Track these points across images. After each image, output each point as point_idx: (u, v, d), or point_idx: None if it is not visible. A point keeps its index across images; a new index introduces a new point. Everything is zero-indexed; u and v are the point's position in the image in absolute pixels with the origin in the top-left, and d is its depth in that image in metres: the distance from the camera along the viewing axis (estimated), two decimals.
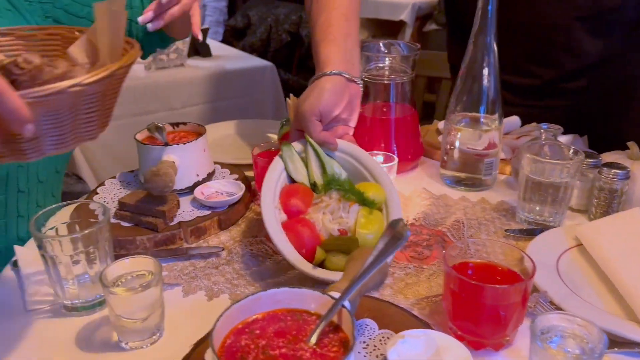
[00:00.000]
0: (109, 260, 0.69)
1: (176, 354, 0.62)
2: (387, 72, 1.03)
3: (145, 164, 0.90)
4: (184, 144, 0.91)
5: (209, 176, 0.97)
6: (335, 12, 0.91)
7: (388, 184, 0.81)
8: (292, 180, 0.82)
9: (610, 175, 0.84)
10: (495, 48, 0.93)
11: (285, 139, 1.00)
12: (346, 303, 0.48)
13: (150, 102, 1.98)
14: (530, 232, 0.85)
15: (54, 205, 0.72)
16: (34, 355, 0.64)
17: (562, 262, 0.76)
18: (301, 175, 0.81)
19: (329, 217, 0.74)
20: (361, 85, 0.89)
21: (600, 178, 0.86)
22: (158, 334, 0.66)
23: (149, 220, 0.83)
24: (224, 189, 0.94)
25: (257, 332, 0.48)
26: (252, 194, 0.97)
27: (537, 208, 0.87)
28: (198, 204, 0.91)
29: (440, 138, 1.18)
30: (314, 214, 0.75)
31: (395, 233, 0.50)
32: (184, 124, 1.00)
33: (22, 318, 0.70)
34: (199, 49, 2.26)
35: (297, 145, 0.83)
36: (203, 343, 0.58)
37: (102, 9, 0.60)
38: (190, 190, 0.93)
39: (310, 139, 0.82)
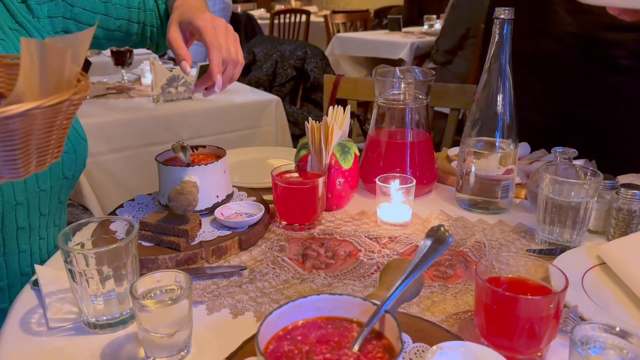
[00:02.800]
0: (136, 277, 0.69)
1: None
2: (402, 97, 1.05)
3: (167, 185, 0.90)
4: (206, 164, 0.91)
5: (228, 198, 0.97)
6: None
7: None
8: None
9: (629, 196, 0.85)
10: (510, 73, 0.95)
11: (303, 161, 1.01)
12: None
13: (158, 133, 1.99)
14: (551, 252, 0.85)
15: (81, 222, 0.72)
16: None
17: (587, 280, 0.76)
18: None
19: None
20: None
21: (619, 199, 0.87)
22: (185, 351, 0.64)
23: (171, 239, 0.82)
24: (244, 210, 0.94)
25: (299, 338, 0.47)
26: (271, 215, 0.97)
27: (557, 230, 0.88)
28: (218, 224, 0.91)
29: (453, 164, 1.20)
30: None
31: (437, 238, 0.50)
32: (204, 147, 1.01)
33: (44, 337, 0.69)
34: None
35: None
36: (235, 355, 0.57)
37: (26, 45, 0.48)
38: (210, 211, 0.93)
39: None
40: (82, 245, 0.71)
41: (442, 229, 0.51)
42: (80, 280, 0.66)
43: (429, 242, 0.50)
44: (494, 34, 0.93)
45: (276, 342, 0.47)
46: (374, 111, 1.08)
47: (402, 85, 1.04)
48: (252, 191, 1.04)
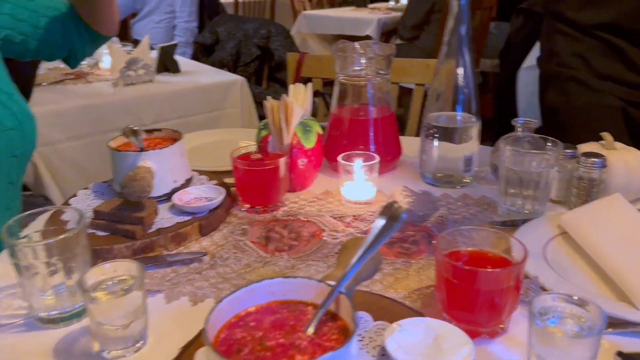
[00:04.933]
0: (87, 269, 0.66)
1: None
2: (363, 73, 1.03)
3: (121, 171, 0.87)
4: (160, 149, 0.88)
5: (187, 182, 0.94)
6: None
7: None
8: None
9: (589, 164, 0.86)
10: (468, 43, 0.94)
11: (264, 142, 0.99)
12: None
13: (119, 118, 1.93)
14: (514, 224, 0.85)
15: (26, 213, 0.69)
16: None
17: (549, 250, 0.77)
18: None
19: None
20: None
21: (579, 168, 0.87)
22: (142, 342, 0.62)
23: (126, 228, 0.79)
24: (204, 194, 0.92)
25: (253, 324, 0.45)
26: (232, 198, 0.95)
27: (519, 201, 0.88)
28: (177, 210, 0.88)
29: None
30: None
31: (390, 215, 0.49)
32: (159, 130, 0.98)
33: None
34: (167, 66, 2.23)
35: None
36: (192, 345, 0.55)
37: None
38: (168, 197, 0.90)
39: None
40: (30, 238, 0.67)
41: (394, 205, 0.50)
42: (27, 275, 0.63)
43: (382, 220, 0.49)
44: (451, 5, 0.92)
45: (228, 330, 0.45)
46: (335, 88, 1.06)
47: (363, 61, 1.02)
48: (214, 174, 1.01)
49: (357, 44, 1.02)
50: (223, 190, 0.91)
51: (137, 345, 0.62)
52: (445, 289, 0.61)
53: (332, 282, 0.47)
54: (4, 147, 0.90)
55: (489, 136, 1.28)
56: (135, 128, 0.86)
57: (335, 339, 0.43)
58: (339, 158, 0.95)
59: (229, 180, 0.98)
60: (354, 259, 0.47)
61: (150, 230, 0.81)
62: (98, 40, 1.14)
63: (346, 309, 0.44)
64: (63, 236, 0.62)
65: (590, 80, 1.26)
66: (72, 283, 0.65)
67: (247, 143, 1.03)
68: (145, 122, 2.00)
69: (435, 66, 0.99)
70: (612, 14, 1.21)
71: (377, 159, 0.94)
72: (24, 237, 0.67)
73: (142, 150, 0.87)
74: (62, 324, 0.66)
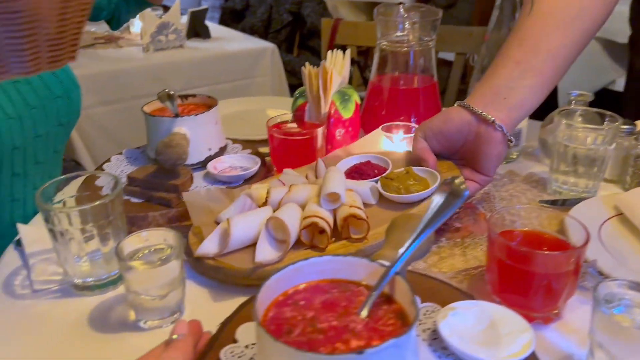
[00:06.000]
0: (123, 237, 0.64)
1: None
2: (406, 39, 0.97)
3: (155, 137, 0.85)
4: (196, 115, 0.85)
5: (222, 150, 0.92)
6: (536, 22, 0.71)
7: None
8: None
9: None
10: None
11: (300, 110, 0.95)
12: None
13: (149, 84, 1.91)
14: (565, 203, 0.80)
15: (60, 177, 0.67)
16: (45, 336, 0.59)
17: (604, 232, 0.72)
18: None
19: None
20: (500, 131, 0.70)
21: (637, 145, 0.82)
22: (179, 313, 0.61)
23: (161, 195, 0.77)
24: (238, 163, 0.89)
25: (302, 303, 0.43)
26: (267, 168, 0.92)
27: (571, 179, 0.83)
28: (212, 179, 0.85)
29: None
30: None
31: (452, 191, 0.45)
32: (193, 96, 0.95)
33: (28, 300, 0.65)
34: (198, 31, 2.20)
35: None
36: (232, 321, 0.53)
37: None
38: (202, 165, 0.88)
39: None
40: (64, 203, 0.66)
41: (456, 181, 0.46)
42: (62, 241, 0.61)
43: (442, 197, 0.45)
44: None
45: (276, 308, 0.42)
46: (376, 55, 1.01)
47: (407, 25, 0.97)
48: (248, 143, 0.98)
49: (401, 7, 0.97)
50: (258, 160, 0.88)
51: (175, 316, 0.60)
52: (497, 271, 0.58)
53: (386, 262, 0.44)
54: (52, 116, 0.91)
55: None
56: (171, 92, 0.83)
57: (392, 323, 0.40)
58: (379, 129, 0.90)
59: (263, 149, 0.95)
60: (411, 238, 0.44)
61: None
62: (144, 5, 1.14)
63: (403, 291, 0.41)
64: (99, 202, 0.60)
65: None
66: (108, 250, 0.63)
67: (281, 112, 0.99)
68: (175, 89, 1.97)
69: (485, 34, 0.93)
70: None
71: None
72: (58, 202, 0.65)
73: (177, 116, 0.84)
74: (98, 291, 0.64)
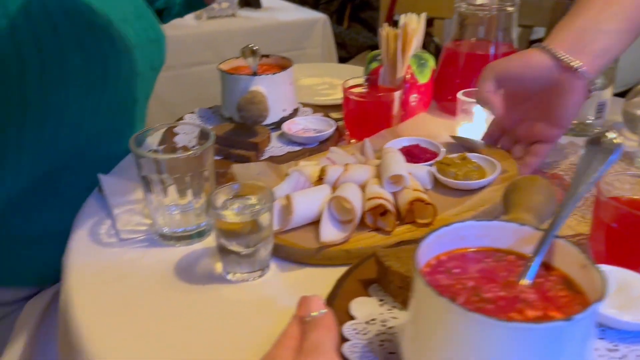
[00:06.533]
0: (214, 188, 0.63)
1: (286, 291, 0.57)
2: (488, 2, 0.93)
3: (231, 95, 0.84)
4: (273, 74, 0.84)
5: (295, 112, 0.90)
6: None
7: None
8: None
9: None
10: None
11: (374, 74, 0.93)
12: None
13: (201, 52, 1.91)
14: None
15: (148, 128, 0.66)
16: (132, 285, 0.59)
17: None
18: None
19: None
20: (583, 79, 0.65)
21: None
22: (266, 269, 0.60)
23: (240, 152, 0.77)
24: (312, 126, 0.88)
25: (456, 271, 0.39)
26: (339, 133, 0.90)
27: None
28: (286, 139, 0.84)
29: None
30: None
31: (602, 148, 0.41)
32: (267, 56, 0.93)
33: (116, 248, 0.65)
34: (249, 0, 2.18)
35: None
36: (337, 297, 0.50)
37: None
38: (276, 126, 0.87)
39: None
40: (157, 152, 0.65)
41: (608, 135, 0.42)
42: (154, 190, 0.61)
43: (593, 152, 0.41)
44: None
45: (428, 275, 0.39)
46: (454, 18, 0.97)
47: None
48: (318, 108, 0.96)
49: None
50: (333, 122, 0.86)
51: (262, 271, 0.59)
52: (605, 239, 0.55)
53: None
54: (147, 59, 0.89)
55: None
56: (255, 47, 0.82)
57: (563, 295, 0.37)
58: (460, 94, 0.87)
59: (334, 115, 0.93)
60: (567, 198, 0.41)
61: (263, 158, 0.78)
62: (198, 7, 1.13)
63: (569, 256, 0.38)
64: (190, 152, 0.60)
65: None
66: (200, 201, 0.62)
67: (340, 81, 0.96)
68: (227, 57, 1.96)
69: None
70: None
71: None
72: (150, 151, 0.65)
73: (254, 74, 0.83)
74: (184, 242, 0.64)
